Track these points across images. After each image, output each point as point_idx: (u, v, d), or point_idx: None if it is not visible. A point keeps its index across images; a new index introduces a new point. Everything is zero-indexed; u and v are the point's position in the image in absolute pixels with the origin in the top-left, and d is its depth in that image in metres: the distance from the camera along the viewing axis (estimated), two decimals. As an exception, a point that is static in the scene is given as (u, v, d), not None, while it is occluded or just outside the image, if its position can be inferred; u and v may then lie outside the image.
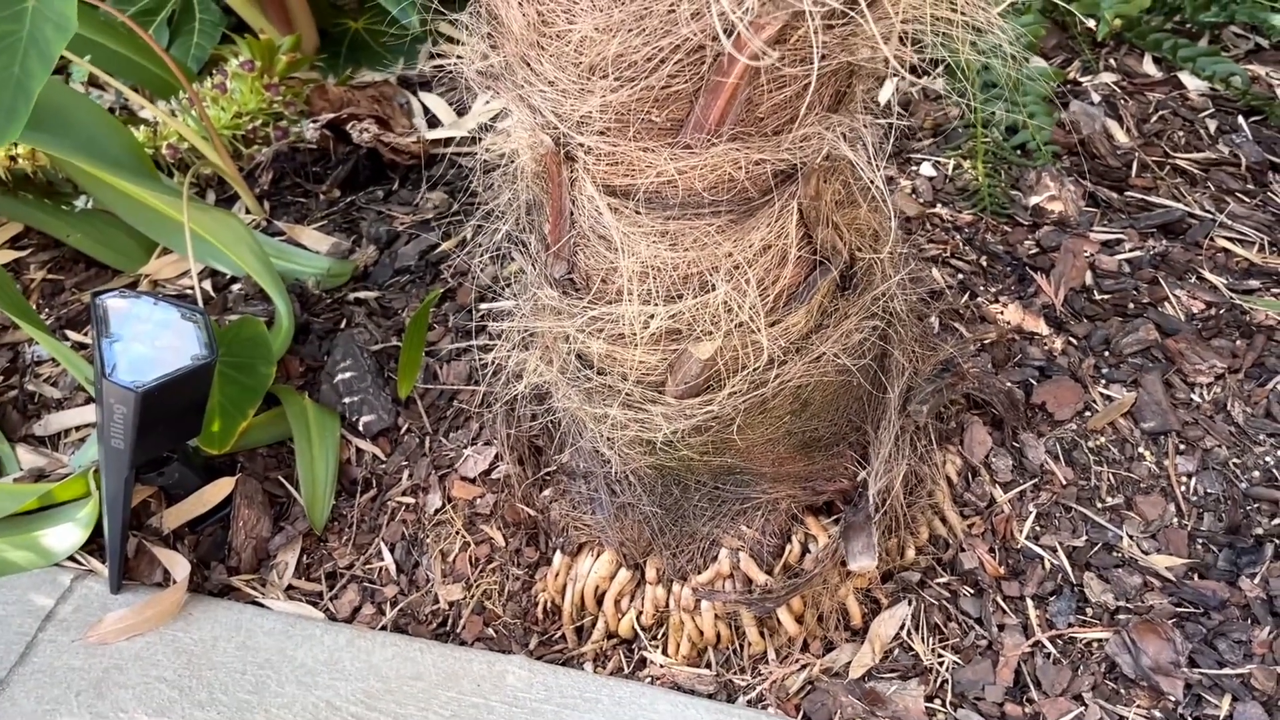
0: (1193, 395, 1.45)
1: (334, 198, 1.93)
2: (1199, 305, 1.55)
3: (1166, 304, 1.55)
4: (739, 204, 0.91)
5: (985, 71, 1.76)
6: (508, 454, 1.36)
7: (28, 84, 1.26)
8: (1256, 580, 1.27)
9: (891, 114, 1.87)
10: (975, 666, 1.23)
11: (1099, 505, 1.36)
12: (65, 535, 1.42)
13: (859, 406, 1.18)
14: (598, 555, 1.28)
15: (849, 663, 1.26)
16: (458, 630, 1.35)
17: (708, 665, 1.28)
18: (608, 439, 1.12)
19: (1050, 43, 2.01)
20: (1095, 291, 1.58)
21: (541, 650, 1.33)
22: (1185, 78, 1.91)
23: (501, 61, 0.90)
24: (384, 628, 1.36)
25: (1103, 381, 1.47)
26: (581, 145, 0.88)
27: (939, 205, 1.74)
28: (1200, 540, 1.32)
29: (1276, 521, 1.32)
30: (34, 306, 1.79)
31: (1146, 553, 1.31)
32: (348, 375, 1.57)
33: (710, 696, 1.25)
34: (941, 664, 1.24)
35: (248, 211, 1.90)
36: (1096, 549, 1.32)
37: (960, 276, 1.63)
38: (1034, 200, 1.71)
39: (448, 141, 1.95)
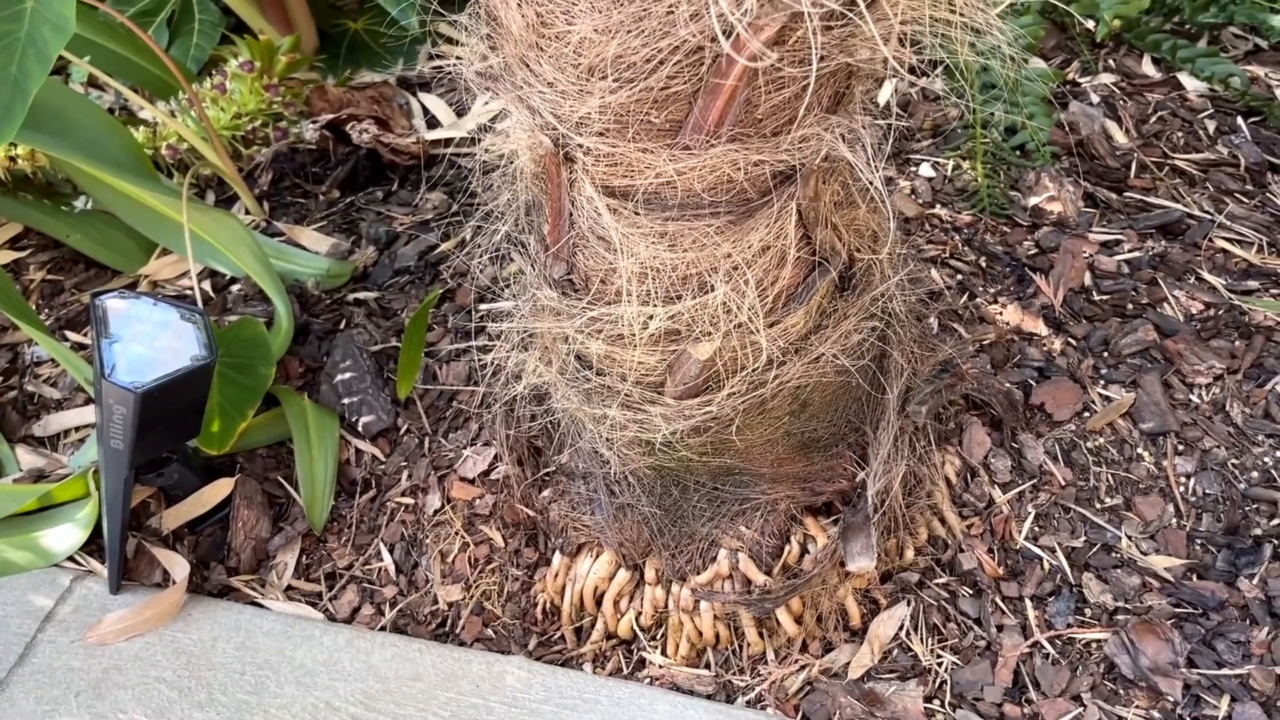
0: (1191, 396, 1.45)
1: (333, 198, 1.93)
2: (1198, 306, 1.55)
3: (1165, 305, 1.55)
4: (738, 205, 0.91)
5: (984, 72, 1.76)
6: (507, 455, 1.36)
7: (25, 84, 1.26)
8: (1255, 581, 1.27)
9: (890, 115, 1.88)
10: (974, 667, 1.23)
11: (1098, 506, 1.36)
12: (65, 536, 1.42)
13: (858, 407, 1.18)
14: (597, 556, 1.28)
15: (848, 663, 1.26)
16: (457, 631, 1.35)
17: (707, 666, 1.28)
18: (607, 440, 1.12)
19: (1049, 44, 2.01)
20: (1094, 292, 1.58)
21: (540, 651, 1.33)
22: (1184, 79, 1.91)
23: (500, 62, 0.91)
24: (383, 628, 1.36)
25: (1101, 382, 1.47)
26: (580, 146, 0.88)
27: (938, 206, 1.74)
28: (1199, 541, 1.32)
29: (1275, 522, 1.32)
30: (34, 307, 1.79)
31: (1145, 553, 1.31)
32: (347, 376, 1.57)
33: (709, 697, 1.25)
34: (940, 664, 1.24)
35: (247, 212, 1.90)
36: (1095, 549, 1.32)
37: (959, 277, 1.63)
38: (1033, 201, 1.71)
39: (447, 142, 1.95)
